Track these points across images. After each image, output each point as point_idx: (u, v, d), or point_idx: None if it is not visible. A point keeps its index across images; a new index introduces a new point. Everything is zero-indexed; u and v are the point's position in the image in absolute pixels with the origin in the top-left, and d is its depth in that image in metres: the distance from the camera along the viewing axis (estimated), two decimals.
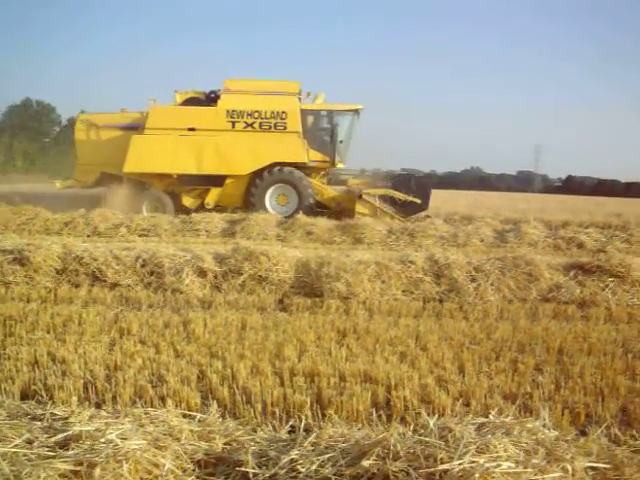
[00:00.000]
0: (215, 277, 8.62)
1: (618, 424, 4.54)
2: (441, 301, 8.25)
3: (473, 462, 2.71)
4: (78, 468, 2.94)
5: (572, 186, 65.45)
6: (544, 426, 3.36)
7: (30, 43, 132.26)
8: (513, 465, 2.73)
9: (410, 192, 18.97)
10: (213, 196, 19.68)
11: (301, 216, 16.38)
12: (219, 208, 18.95)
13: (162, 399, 4.66)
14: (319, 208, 19.56)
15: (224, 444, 3.48)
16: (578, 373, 5.53)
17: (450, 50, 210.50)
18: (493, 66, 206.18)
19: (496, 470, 2.67)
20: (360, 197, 18.64)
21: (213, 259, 8.89)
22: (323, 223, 15.88)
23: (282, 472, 3.07)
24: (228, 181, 19.61)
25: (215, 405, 4.48)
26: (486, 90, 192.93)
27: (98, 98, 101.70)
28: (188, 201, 19.77)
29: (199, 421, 3.90)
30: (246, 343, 6.03)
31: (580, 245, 15.26)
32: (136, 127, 19.89)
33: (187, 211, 18.61)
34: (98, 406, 4.48)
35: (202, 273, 8.63)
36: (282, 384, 5.03)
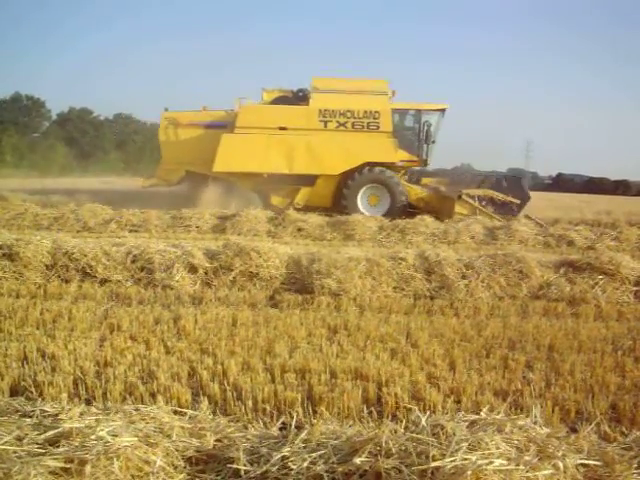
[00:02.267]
0: (206, 273, 8.60)
1: (608, 421, 4.56)
2: (432, 298, 8.26)
3: (465, 459, 2.71)
4: (68, 465, 2.93)
5: (562, 184, 65.38)
6: (535, 423, 3.36)
7: (25, 40, 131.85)
8: (505, 462, 2.73)
9: (508, 192, 19.00)
10: (303, 196, 19.63)
11: (292, 212, 16.34)
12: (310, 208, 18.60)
13: (153, 395, 4.65)
14: (410, 208, 19.39)
15: (215, 441, 3.47)
16: (568, 370, 5.55)
17: (437, 43, 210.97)
18: (485, 61, 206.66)
19: (488, 467, 2.67)
20: (460, 197, 18.55)
21: (204, 255, 8.86)
22: (314, 219, 15.87)
23: (274, 469, 3.06)
24: (319, 181, 19.56)
25: (206, 402, 4.47)
26: (476, 85, 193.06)
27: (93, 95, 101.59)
28: (277, 200, 19.66)
29: (190, 418, 3.89)
30: (237, 339, 6.03)
31: (570, 243, 15.30)
32: (221, 125, 19.79)
33: (278, 210, 18.24)
34: (88, 403, 4.45)
35: (193, 269, 8.60)
36: (273, 381, 5.02)
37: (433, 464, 2.68)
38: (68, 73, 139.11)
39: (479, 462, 2.68)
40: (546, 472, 2.75)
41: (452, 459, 2.70)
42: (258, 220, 15.81)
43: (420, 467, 2.70)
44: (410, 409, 4.30)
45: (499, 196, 18.80)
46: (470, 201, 18.52)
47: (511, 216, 18.42)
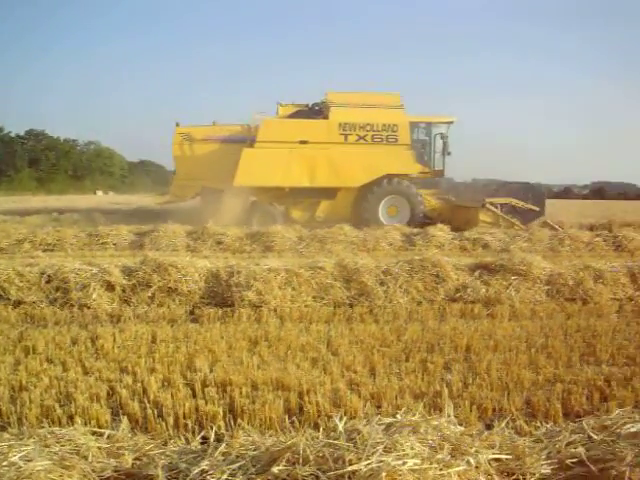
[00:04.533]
0: (123, 290, 8.47)
1: (523, 416, 4.72)
2: (351, 305, 8.35)
3: (381, 461, 2.77)
4: None
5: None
6: (450, 422, 3.45)
7: None
8: (419, 462, 2.81)
9: (527, 200, 19.47)
10: (324, 209, 19.83)
11: (211, 225, 16.22)
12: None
13: (71, 418, 4.57)
14: (427, 219, 19.66)
15: (134, 459, 3.44)
16: (485, 369, 5.72)
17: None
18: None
19: (403, 468, 2.74)
20: (484, 206, 18.89)
21: (121, 272, 8.72)
22: (233, 232, 15.79)
23: None
24: (339, 194, 19.72)
25: (126, 420, 4.40)
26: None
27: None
28: (297, 214, 19.82)
29: (108, 437, 3.83)
30: (157, 356, 5.97)
31: (485, 246, 15.73)
32: (237, 140, 19.62)
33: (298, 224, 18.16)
34: (3, 429, 4.33)
35: (110, 287, 8.45)
36: (194, 395, 5.00)
37: (349, 468, 2.73)
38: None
39: (394, 463, 2.74)
40: (459, 468, 2.84)
41: (368, 462, 2.76)
42: (176, 235, 15.64)
43: (337, 472, 2.74)
44: (330, 416, 4.35)
45: (519, 204, 19.36)
46: (493, 209, 19.00)
47: (530, 222, 19.07)
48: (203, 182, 19.61)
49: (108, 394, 5.07)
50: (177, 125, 20.05)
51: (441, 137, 20.66)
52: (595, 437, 3.35)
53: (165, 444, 3.91)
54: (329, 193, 19.83)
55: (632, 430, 3.32)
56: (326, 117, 19.81)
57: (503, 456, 3.14)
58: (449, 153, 20.71)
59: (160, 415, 4.61)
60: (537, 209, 19.67)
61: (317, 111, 20.53)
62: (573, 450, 3.22)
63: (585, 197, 64.75)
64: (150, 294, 8.42)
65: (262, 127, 19.44)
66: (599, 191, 75.30)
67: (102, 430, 4.08)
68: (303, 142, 19.29)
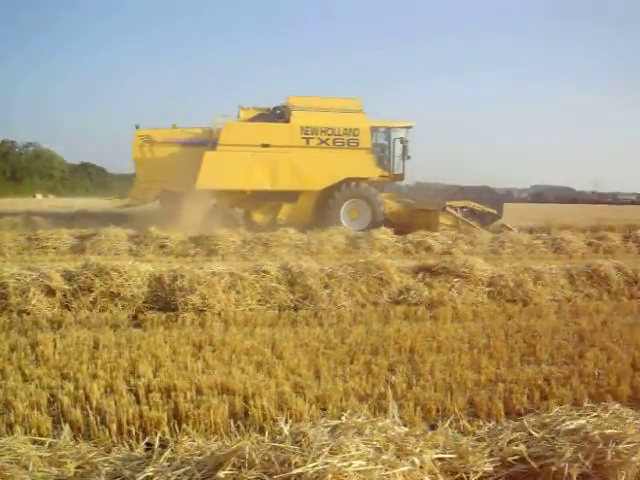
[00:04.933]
0: (64, 295, 8.31)
1: (466, 416, 4.80)
2: (296, 309, 8.36)
3: (327, 463, 2.78)
4: None
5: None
6: (394, 423, 3.49)
7: None
8: (364, 463, 2.83)
9: (486, 203, 20.01)
10: (285, 212, 19.85)
11: (154, 229, 16.05)
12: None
13: (10, 426, 4.45)
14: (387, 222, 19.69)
15: (76, 467, 3.38)
16: (429, 371, 5.79)
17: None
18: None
19: (348, 469, 2.75)
20: (444, 209, 19.20)
21: (62, 277, 8.55)
22: (176, 236, 15.66)
23: None
24: (301, 197, 19.76)
25: (67, 428, 4.31)
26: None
27: None
28: (259, 217, 19.85)
29: (50, 446, 3.75)
30: (99, 362, 5.87)
31: (428, 248, 15.92)
32: (198, 143, 19.45)
33: (258, 227, 18.37)
34: None
35: (50, 292, 8.28)
36: (138, 401, 4.94)
37: (295, 471, 2.74)
38: None
39: (339, 465, 2.76)
40: (404, 469, 2.87)
41: (314, 464, 2.76)
42: (119, 239, 15.45)
43: (283, 475, 2.74)
44: (276, 420, 4.35)
45: (478, 207, 19.85)
46: (453, 212, 19.34)
47: (489, 225, 19.65)
48: (163, 185, 19.45)
49: (49, 402, 4.97)
50: (137, 128, 19.83)
51: (401, 141, 21.03)
52: (535, 434, 3.42)
53: (108, 451, 3.85)
54: (291, 196, 19.94)
55: (571, 427, 3.40)
56: (288, 121, 19.89)
57: (447, 455, 3.19)
58: (409, 157, 21.06)
59: (103, 422, 4.53)
60: (495, 212, 20.23)
61: (278, 115, 20.62)
62: (514, 448, 3.28)
63: (524, 200, 65.92)
64: (92, 299, 8.28)
65: (224, 130, 19.42)
66: (538, 195, 76.90)
67: (43, 439, 4.00)
68: (265, 145, 19.41)
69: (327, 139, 19.89)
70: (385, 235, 16.66)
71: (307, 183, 19.75)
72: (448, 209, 19.43)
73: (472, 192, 21.11)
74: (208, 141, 19.56)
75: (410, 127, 21.23)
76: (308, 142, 19.80)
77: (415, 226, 18.67)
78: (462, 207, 19.82)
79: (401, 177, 21.70)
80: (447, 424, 3.98)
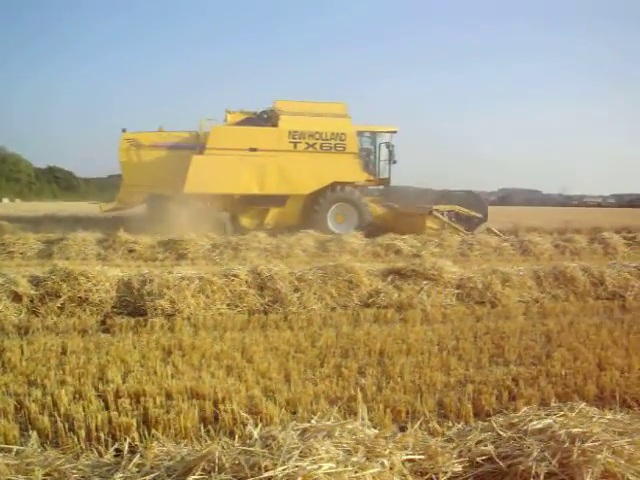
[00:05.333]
0: (31, 301, 8.21)
1: (436, 417, 4.83)
2: (266, 312, 8.36)
3: (296, 466, 2.79)
4: None
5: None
6: (364, 426, 3.50)
7: None
8: (334, 465, 2.84)
9: (471, 207, 20.32)
10: (273, 216, 19.95)
11: (122, 233, 15.95)
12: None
13: None
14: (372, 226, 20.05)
15: (44, 475, 3.34)
16: (398, 373, 5.82)
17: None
18: None
19: (318, 472, 2.76)
20: (430, 213, 19.40)
21: (29, 282, 8.46)
22: (145, 240, 15.56)
23: None
24: (288, 201, 19.83)
25: (35, 435, 4.26)
26: None
27: None
28: (246, 221, 19.82)
29: (16, 453, 3.71)
30: (67, 368, 5.81)
31: (398, 251, 15.99)
32: (185, 147, 19.48)
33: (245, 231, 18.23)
34: None
35: (17, 297, 8.18)
36: (107, 407, 4.90)
37: (265, 474, 2.74)
38: None
39: (309, 468, 2.76)
40: (373, 470, 2.89)
41: (283, 468, 2.77)
42: (87, 243, 15.31)
43: (253, 478, 2.75)
44: (246, 424, 4.34)
45: (464, 211, 20.14)
46: (440, 216, 19.56)
47: (475, 229, 20.00)
48: (150, 189, 19.45)
49: (16, 409, 4.90)
50: (123, 131, 19.80)
51: (387, 146, 21.38)
52: (503, 434, 3.46)
53: (77, 458, 3.80)
54: (278, 200, 20.03)
55: (538, 426, 3.44)
56: (275, 125, 20.01)
57: (416, 456, 3.21)
58: (395, 162, 21.37)
59: (71, 429, 4.49)
60: (480, 216, 20.59)
61: (265, 119, 20.74)
62: (483, 448, 3.31)
63: (492, 203, 66.61)
64: (60, 304, 8.19)
65: (212, 134, 19.48)
66: (506, 197, 77.55)
67: (10, 446, 3.94)
68: (253, 149, 19.49)
69: (314, 143, 20.07)
70: (355, 238, 16.71)
71: (295, 187, 19.91)
72: (435, 213, 19.65)
73: (459, 196, 21.44)
74: (195, 145, 19.66)
75: (394, 132, 21.53)
76: (296, 146, 19.96)
77: (401, 229, 18.77)
78: (449, 211, 20.16)
79: (387, 181, 21.95)
80: (417, 426, 4.00)
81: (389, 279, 9.57)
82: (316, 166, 19.77)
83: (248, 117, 20.95)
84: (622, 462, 3.02)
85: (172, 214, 17.81)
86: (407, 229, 18.83)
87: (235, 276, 8.90)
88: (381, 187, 23.21)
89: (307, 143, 20.00)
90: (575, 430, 3.28)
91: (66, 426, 4.50)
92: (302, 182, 19.88)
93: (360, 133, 21.09)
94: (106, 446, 4.23)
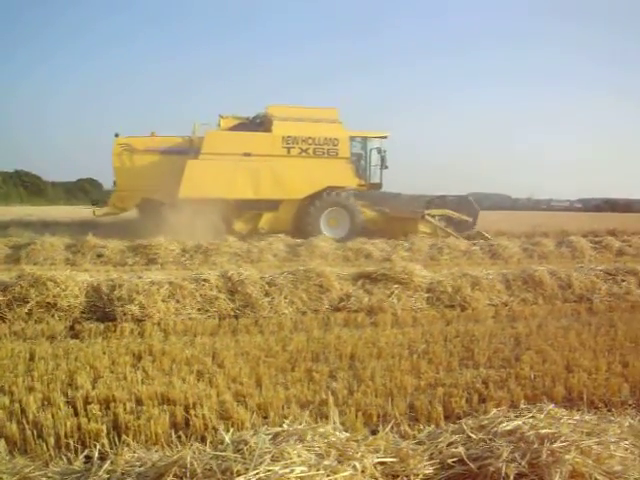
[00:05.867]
0: None
1: (407, 420, 4.86)
2: (237, 317, 8.34)
3: (268, 471, 2.79)
4: None
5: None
6: (336, 429, 3.51)
7: None
8: (306, 469, 2.84)
9: (462, 211, 20.95)
10: (267, 220, 20.01)
11: (91, 238, 15.80)
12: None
13: None
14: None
15: None
16: (369, 376, 5.84)
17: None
18: None
19: (290, 476, 2.77)
20: (423, 217, 19.83)
21: None
22: (114, 245, 15.43)
23: None
24: (282, 206, 19.92)
25: (3, 443, 4.23)
26: None
27: None
28: (240, 226, 19.85)
29: None
30: (35, 374, 5.74)
31: (368, 255, 16.06)
32: (178, 152, 19.41)
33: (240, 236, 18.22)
34: None
35: None
36: (76, 414, 4.85)
37: (237, 479, 2.74)
38: None
39: (281, 472, 2.77)
40: (345, 474, 2.90)
41: (256, 472, 2.77)
42: (55, 248, 15.13)
43: None
44: (218, 429, 4.33)
45: (454, 215, 20.68)
46: (432, 220, 19.97)
47: (466, 232, 20.49)
48: (144, 193, 19.42)
49: None
50: (116, 136, 19.72)
51: (379, 151, 21.57)
52: (474, 436, 3.49)
53: (46, 465, 3.77)
54: (272, 205, 20.17)
55: (507, 428, 3.47)
56: (269, 130, 20.14)
57: (388, 459, 3.22)
58: (386, 167, 21.57)
59: (40, 436, 4.44)
60: (470, 220, 21.22)
61: (258, 124, 20.87)
62: (453, 450, 3.33)
63: None
64: (27, 310, 8.08)
65: (207, 139, 19.55)
66: (475, 202, 78.14)
67: None
68: (247, 154, 19.55)
69: (308, 148, 20.27)
70: (325, 242, 16.75)
71: (288, 192, 20.07)
72: (427, 217, 20.08)
73: (450, 200, 22.26)
74: (189, 150, 19.67)
75: (385, 137, 21.79)
76: (289, 151, 20.14)
77: (392, 233, 19.15)
78: (440, 215, 20.66)
79: (379, 186, 22.22)
80: (388, 429, 4.02)
81: (359, 283, 9.59)
82: (309, 171, 19.99)
83: (241, 122, 21.15)
84: (590, 462, 3.06)
85: (166, 219, 17.83)
86: (399, 233, 19.18)
87: (205, 281, 8.87)
88: (375, 192, 23.55)
89: (300, 148, 20.20)
90: (544, 431, 3.32)
91: (35, 433, 4.45)
92: (296, 187, 20.07)
93: (352, 138, 21.30)
94: (76, 453, 4.19)
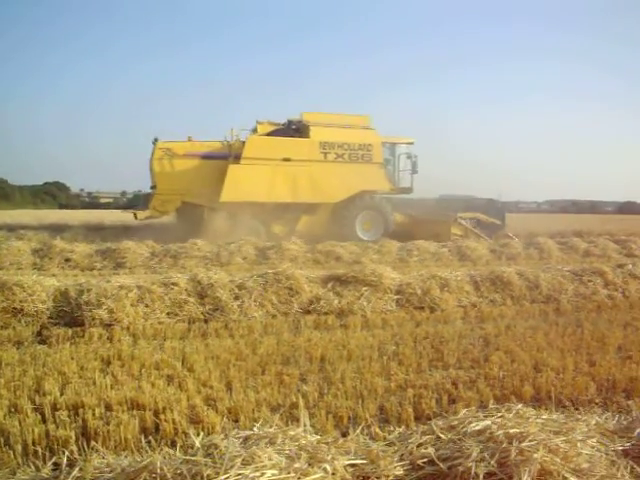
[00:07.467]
0: None
1: (378, 422, 4.87)
2: (206, 321, 8.30)
3: (239, 474, 2.78)
4: None
5: None
6: (306, 432, 3.52)
7: None
8: (277, 472, 2.84)
9: (491, 215, 21.59)
10: (304, 223, 20.32)
11: (59, 242, 15.68)
12: None
13: None
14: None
15: None
16: (340, 379, 5.85)
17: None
18: None
19: (261, 479, 2.77)
20: (455, 220, 20.55)
21: None
22: (82, 249, 15.30)
23: None
24: (319, 209, 20.43)
25: None
26: None
27: None
28: (278, 229, 20.07)
29: None
30: (2, 381, 5.66)
31: (338, 258, 16.07)
32: (218, 156, 19.67)
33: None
34: None
35: None
36: (44, 421, 4.79)
37: None
38: None
39: (252, 475, 2.77)
40: (316, 476, 2.91)
41: (226, 476, 2.76)
42: (21, 252, 14.94)
43: None
44: (188, 433, 4.31)
45: (485, 218, 21.48)
46: (464, 223, 20.76)
47: (495, 234, 21.10)
48: (184, 197, 19.65)
49: None
50: (156, 140, 19.82)
51: (409, 156, 22.17)
52: (443, 437, 3.51)
53: (13, 473, 3.73)
54: (309, 208, 20.67)
55: (477, 428, 3.50)
56: (306, 136, 20.53)
57: (358, 461, 3.24)
58: (416, 172, 22.07)
59: (7, 443, 4.38)
60: (499, 222, 21.98)
61: (294, 129, 21.26)
62: (424, 451, 3.36)
63: None
64: None
65: (248, 144, 19.86)
66: (444, 203, 78.80)
67: None
68: (286, 159, 19.96)
69: (343, 154, 20.77)
70: (295, 245, 16.73)
71: (325, 196, 20.58)
72: (459, 220, 20.82)
73: (480, 204, 22.95)
74: (228, 154, 19.82)
75: (412, 143, 22.41)
76: (326, 156, 20.60)
77: (423, 236, 19.35)
78: (471, 218, 21.41)
79: (409, 190, 22.62)
80: (358, 431, 4.04)
81: (329, 286, 9.60)
82: (345, 175, 20.49)
83: (277, 128, 21.52)
84: (558, 460, 3.10)
85: (207, 222, 18.45)
86: (430, 235, 19.54)
87: (175, 284, 8.83)
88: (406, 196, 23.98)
89: (336, 153, 20.70)
90: (513, 431, 3.36)
91: (1, 441, 4.40)
92: (332, 191, 20.57)
93: (387, 144, 21.87)
94: (44, 460, 4.15)
